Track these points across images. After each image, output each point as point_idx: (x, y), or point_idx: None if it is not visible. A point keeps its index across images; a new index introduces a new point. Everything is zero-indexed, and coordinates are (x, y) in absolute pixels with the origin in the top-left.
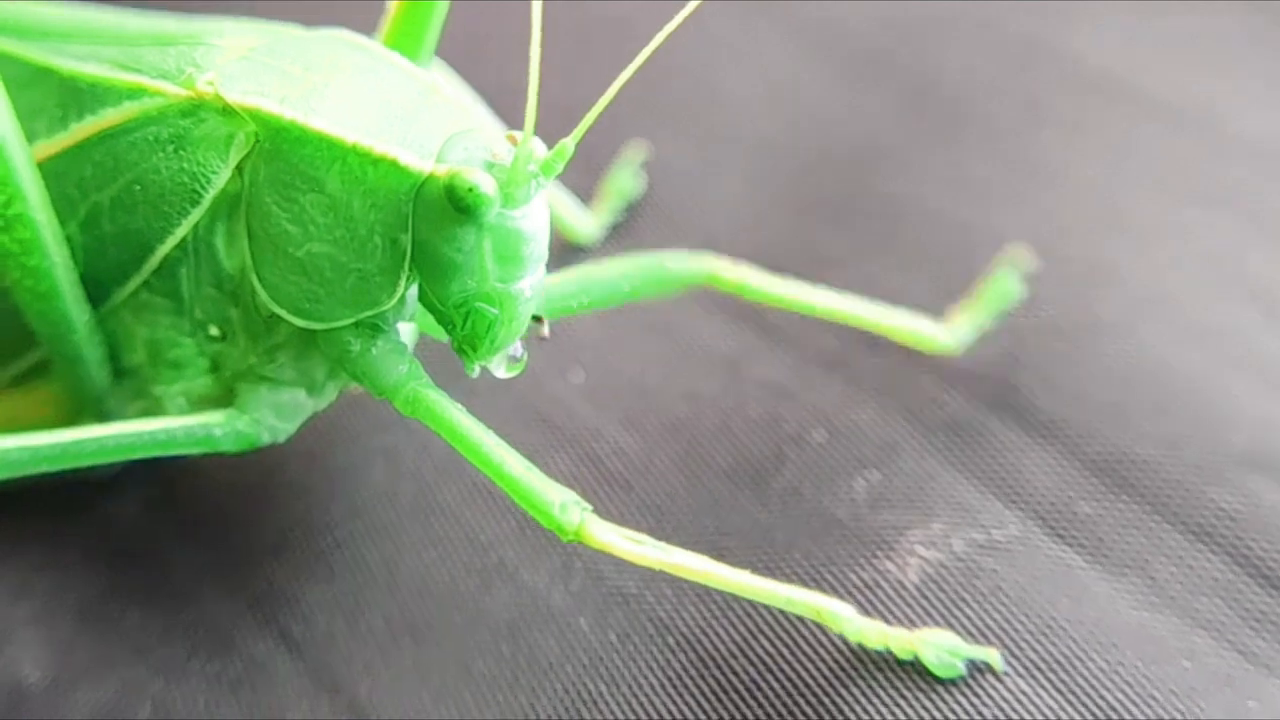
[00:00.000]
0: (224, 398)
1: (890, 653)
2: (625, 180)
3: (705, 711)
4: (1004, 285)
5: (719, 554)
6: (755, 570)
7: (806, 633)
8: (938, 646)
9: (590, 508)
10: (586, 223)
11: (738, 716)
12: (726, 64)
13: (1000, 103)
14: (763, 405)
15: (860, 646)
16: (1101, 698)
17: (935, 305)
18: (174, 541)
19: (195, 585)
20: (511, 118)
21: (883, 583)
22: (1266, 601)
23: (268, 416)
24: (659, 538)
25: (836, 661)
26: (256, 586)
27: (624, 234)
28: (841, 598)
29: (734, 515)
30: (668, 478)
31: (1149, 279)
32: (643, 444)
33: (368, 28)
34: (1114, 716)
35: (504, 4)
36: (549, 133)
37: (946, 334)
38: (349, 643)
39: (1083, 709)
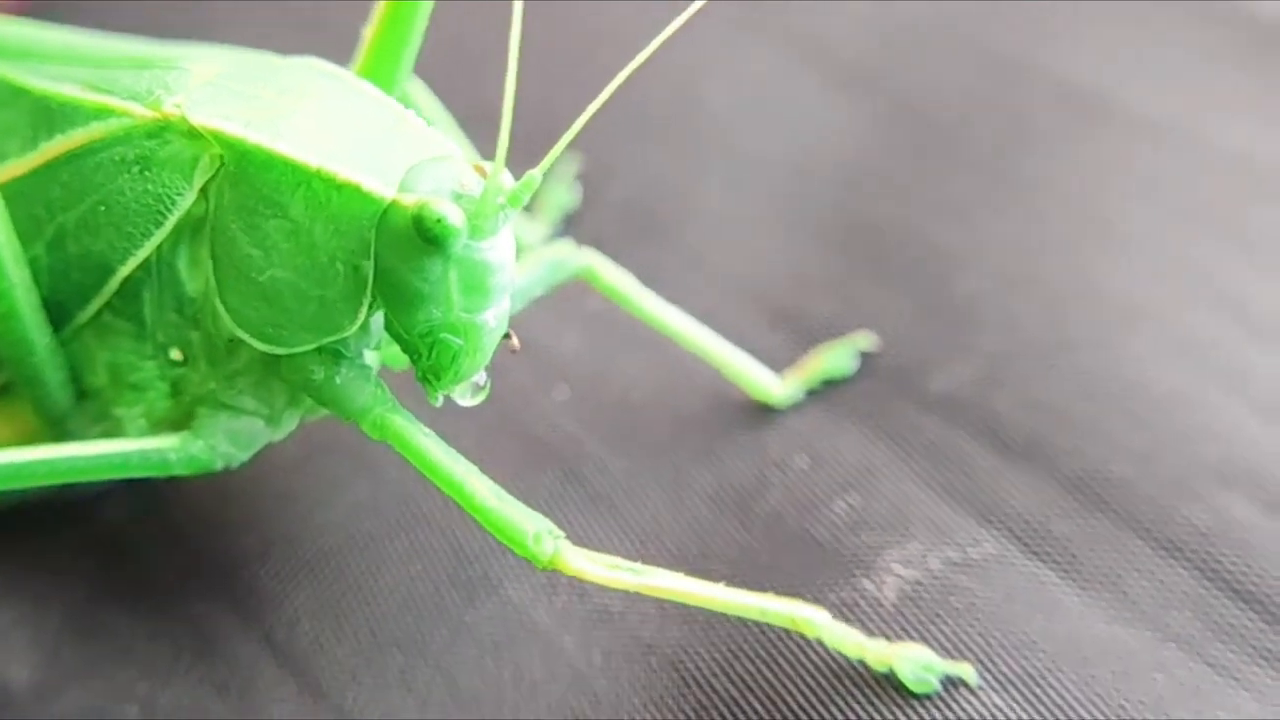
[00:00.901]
0: (185, 420)
1: (864, 664)
2: (560, 193)
3: None
4: (838, 359)
5: (702, 576)
6: None
7: (787, 653)
8: (913, 661)
9: (564, 535)
10: (530, 233)
11: None
12: (713, 78)
13: (984, 120)
14: (747, 429)
15: (838, 655)
16: (1074, 710)
17: (916, 324)
18: (160, 545)
19: (181, 588)
20: (492, 135)
21: (860, 601)
22: (1236, 615)
23: (222, 443)
24: (643, 559)
25: (816, 681)
26: (240, 590)
27: (605, 243)
28: None
29: (717, 539)
30: (652, 500)
31: (1128, 295)
32: (628, 464)
33: (344, 59)
34: None
35: (487, 20)
36: (529, 145)
37: (780, 388)
38: (334, 650)
39: None
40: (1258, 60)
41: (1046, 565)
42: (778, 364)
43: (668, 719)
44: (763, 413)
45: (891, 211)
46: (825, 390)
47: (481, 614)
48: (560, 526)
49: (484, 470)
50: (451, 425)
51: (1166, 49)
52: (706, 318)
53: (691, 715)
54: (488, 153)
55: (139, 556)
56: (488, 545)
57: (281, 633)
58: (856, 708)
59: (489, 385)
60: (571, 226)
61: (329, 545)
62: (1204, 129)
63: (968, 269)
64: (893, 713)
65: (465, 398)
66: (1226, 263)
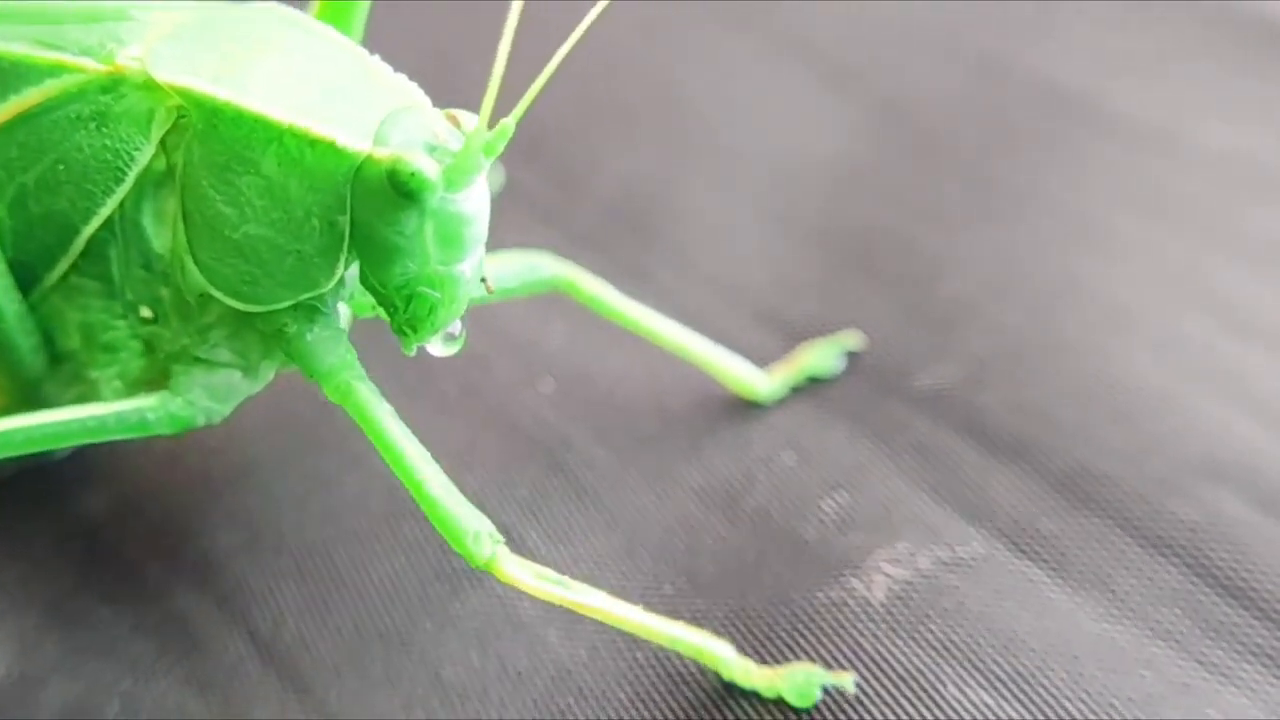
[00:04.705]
0: (161, 380)
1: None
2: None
3: None
4: (823, 358)
5: (689, 573)
6: (724, 590)
7: (774, 651)
8: (791, 679)
9: (503, 540)
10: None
11: None
12: (700, 78)
13: (969, 122)
14: (733, 425)
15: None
16: (1063, 708)
17: (901, 325)
18: (142, 539)
19: (164, 583)
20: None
21: (850, 601)
22: (1225, 611)
23: (202, 398)
24: (631, 556)
25: None
26: (226, 586)
27: (592, 242)
28: (810, 617)
29: (704, 535)
30: (638, 494)
31: (1111, 295)
32: (613, 457)
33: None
34: None
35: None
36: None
37: (765, 384)
38: (318, 645)
39: None
40: (1242, 60)
41: (1035, 564)
42: (763, 363)
43: (653, 714)
44: (748, 409)
45: (877, 213)
46: (810, 388)
47: (467, 606)
48: (544, 520)
49: (468, 463)
50: (438, 419)
51: (1152, 50)
52: (691, 317)
53: (678, 711)
54: None
55: (120, 550)
56: None
57: (266, 629)
58: (846, 707)
59: (464, 335)
60: (557, 224)
61: (315, 540)
62: (1189, 130)
63: (953, 270)
64: (882, 714)
65: (439, 348)
66: (1212, 263)
